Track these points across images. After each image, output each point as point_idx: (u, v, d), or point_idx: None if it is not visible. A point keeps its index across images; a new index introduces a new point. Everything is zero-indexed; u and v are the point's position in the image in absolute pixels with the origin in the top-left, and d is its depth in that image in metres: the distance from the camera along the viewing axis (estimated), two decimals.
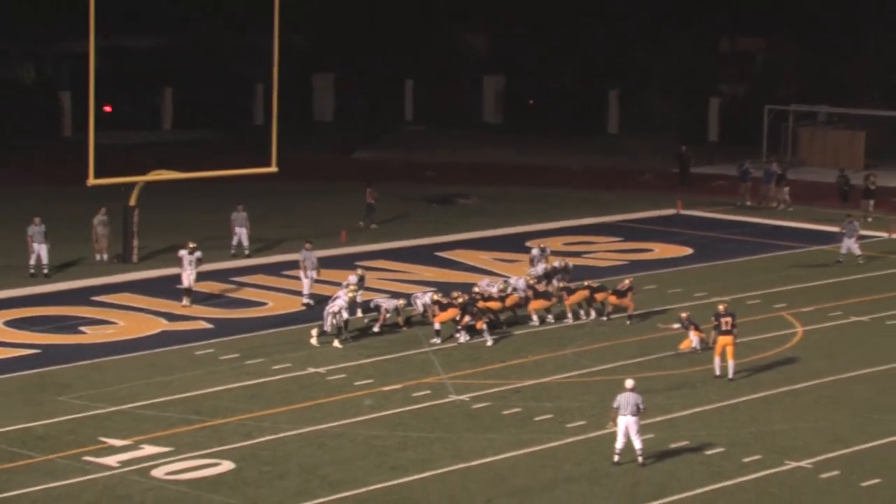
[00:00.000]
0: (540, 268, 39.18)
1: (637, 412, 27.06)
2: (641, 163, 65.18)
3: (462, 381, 32.36)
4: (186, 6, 77.99)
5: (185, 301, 38.26)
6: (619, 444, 27.23)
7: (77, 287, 40.63)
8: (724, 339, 32.69)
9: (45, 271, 41.39)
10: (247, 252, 44.61)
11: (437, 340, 35.21)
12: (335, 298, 35.05)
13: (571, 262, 40.43)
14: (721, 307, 33.39)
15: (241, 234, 44.74)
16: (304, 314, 38.05)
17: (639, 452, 27.19)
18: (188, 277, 38.33)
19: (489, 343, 34.94)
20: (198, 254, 38.58)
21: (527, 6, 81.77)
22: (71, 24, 61.56)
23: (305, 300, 38.69)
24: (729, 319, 32.79)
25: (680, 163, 59.93)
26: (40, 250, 41.37)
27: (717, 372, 32.82)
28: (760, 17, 78.62)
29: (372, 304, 36.57)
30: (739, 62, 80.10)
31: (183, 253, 38.42)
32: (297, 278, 40.44)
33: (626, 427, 27.05)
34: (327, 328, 34.87)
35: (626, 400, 27.08)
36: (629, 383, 27.48)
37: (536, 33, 79.94)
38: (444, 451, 27.94)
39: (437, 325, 35.42)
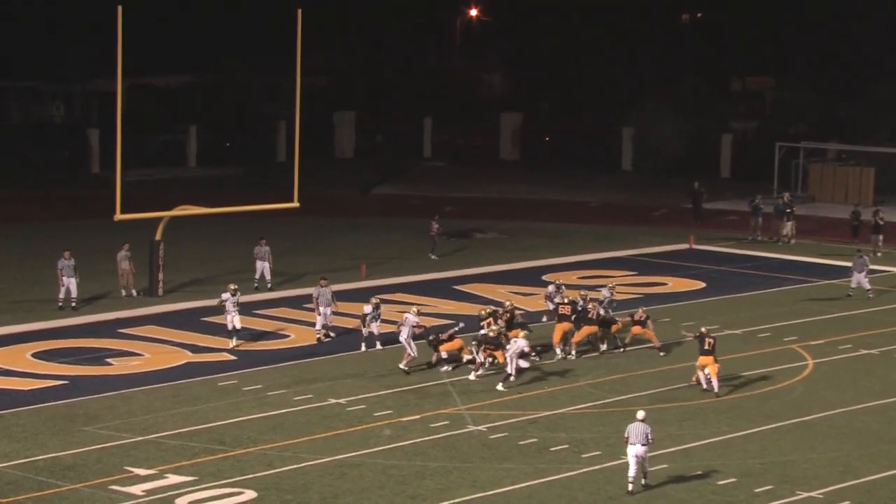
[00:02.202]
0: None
1: (647, 442, 27.79)
2: (655, 198, 65.85)
3: (479, 411, 32.92)
4: (211, 47, 79.00)
5: (234, 342, 38.24)
6: (632, 472, 27.85)
7: (104, 320, 41.19)
8: (705, 359, 34.19)
9: (74, 304, 42.11)
10: (269, 285, 45.34)
11: (447, 368, 35.96)
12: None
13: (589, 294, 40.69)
14: (704, 329, 34.79)
15: (264, 267, 45.40)
16: (323, 347, 38.70)
17: (632, 481, 27.85)
18: (233, 319, 38.24)
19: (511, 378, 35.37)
20: (238, 295, 38.63)
21: (543, 46, 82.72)
22: (99, 64, 62.62)
23: (318, 333, 39.27)
24: (711, 341, 34.31)
25: (693, 198, 60.57)
26: (70, 284, 42.07)
27: (705, 386, 34.30)
28: (770, 58, 79.46)
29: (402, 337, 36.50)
30: (750, 100, 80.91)
31: (226, 296, 38.30)
32: None
33: (636, 456, 27.79)
34: (415, 353, 35.43)
35: (636, 430, 27.82)
36: (640, 414, 28.23)
37: (552, 72, 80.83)
38: (461, 481, 28.44)
39: (444, 354, 36.19)
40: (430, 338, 36.38)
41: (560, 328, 37.46)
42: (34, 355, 37.27)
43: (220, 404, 33.20)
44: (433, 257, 50.88)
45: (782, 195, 58.60)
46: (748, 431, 31.70)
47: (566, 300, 38.35)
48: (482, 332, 36.19)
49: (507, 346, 35.06)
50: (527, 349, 35.23)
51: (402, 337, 36.07)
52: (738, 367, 36.74)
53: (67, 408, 32.82)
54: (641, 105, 75.45)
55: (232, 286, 38.58)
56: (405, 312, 36.88)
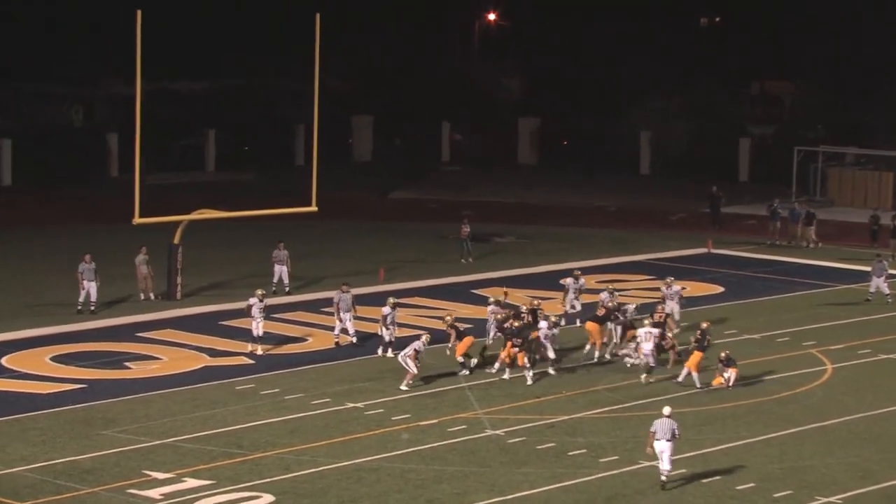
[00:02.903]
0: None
1: (673, 437, 28.21)
2: (673, 203, 65.83)
3: (497, 416, 32.96)
4: (230, 51, 79.20)
5: (259, 349, 38.15)
6: (663, 466, 28.35)
7: (122, 323, 41.30)
8: (700, 354, 35.09)
9: (93, 308, 42.22)
10: (287, 289, 45.41)
11: (465, 372, 36.00)
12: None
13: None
14: (705, 325, 35.95)
15: (282, 271, 45.47)
16: (341, 351, 38.78)
17: (664, 473, 28.19)
18: (258, 326, 38.18)
19: (529, 382, 35.51)
20: (265, 301, 38.61)
21: (561, 50, 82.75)
22: (119, 68, 62.78)
23: (336, 338, 39.24)
24: (710, 338, 35.61)
25: (711, 203, 60.51)
26: (90, 288, 42.18)
27: (699, 385, 34.91)
28: (789, 62, 79.37)
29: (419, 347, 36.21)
30: (769, 105, 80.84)
31: (254, 301, 38.23)
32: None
33: (661, 450, 28.21)
34: (416, 371, 35.17)
35: (662, 426, 28.31)
36: (666, 410, 28.68)
37: (570, 76, 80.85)
38: (479, 485, 28.50)
39: (459, 358, 36.22)
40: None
41: (595, 330, 37.54)
42: (53, 359, 37.42)
43: (238, 408, 33.29)
44: (469, 261, 50.91)
45: (799, 201, 58.53)
46: (767, 436, 31.71)
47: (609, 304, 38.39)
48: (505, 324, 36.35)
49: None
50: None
51: (402, 354, 35.44)
52: (757, 372, 36.72)
53: (86, 411, 32.95)
54: (660, 109, 75.38)
55: (259, 292, 38.56)
56: (418, 338, 36.05)
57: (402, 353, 35.30)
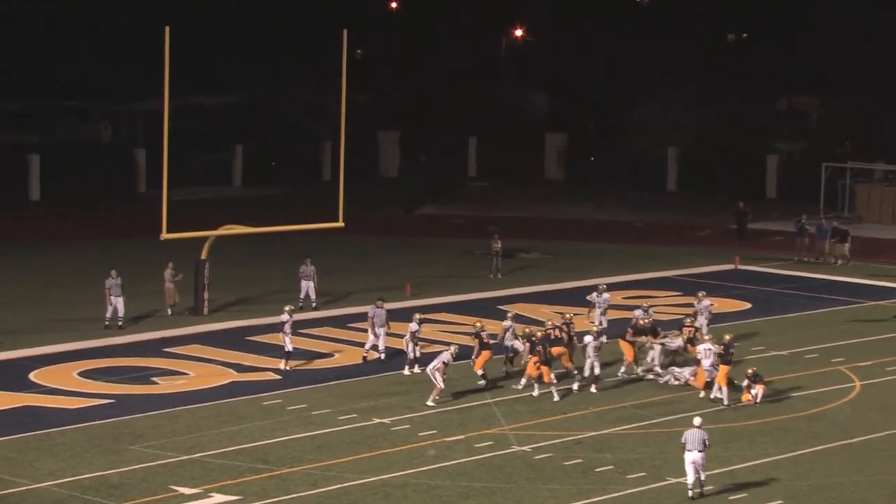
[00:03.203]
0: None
1: (704, 448, 28.41)
2: (700, 219, 65.73)
3: (524, 431, 32.94)
4: (257, 66, 79.51)
5: (288, 365, 38.17)
6: (690, 479, 28.45)
7: (149, 339, 41.42)
8: (727, 368, 35.27)
9: (120, 323, 42.33)
10: (314, 305, 45.45)
11: (481, 383, 35.98)
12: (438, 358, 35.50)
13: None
14: (728, 337, 36.02)
15: (309, 287, 45.52)
16: (368, 366, 38.79)
17: (691, 488, 28.36)
18: (289, 342, 38.14)
19: (556, 398, 35.50)
20: (293, 317, 38.53)
21: (588, 66, 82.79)
22: (146, 83, 63.11)
23: (366, 353, 39.22)
24: (734, 351, 35.82)
25: (737, 219, 60.37)
26: (117, 303, 42.28)
27: (727, 401, 34.89)
28: (816, 77, 79.25)
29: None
30: (796, 121, 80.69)
31: (286, 317, 38.22)
32: (364, 331, 41.26)
33: (693, 462, 28.26)
34: (442, 385, 35.15)
35: (693, 436, 28.53)
36: (697, 421, 28.92)
37: (597, 92, 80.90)
38: (505, 501, 28.46)
39: (478, 371, 36.20)
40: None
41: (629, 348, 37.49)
42: (81, 374, 37.54)
43: (265, 423, 33.34)
44: (498, 277, 50.99)
45: (827, 217, 58.40)
46: (795, 453, 31.63)
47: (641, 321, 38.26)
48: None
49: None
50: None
51: (430, 367, 35.42)
52: (785, 389, 36.61)
53: (113, 426, 33.05)
54: (687, 125, 75.30)
55: (288, 307, 38.58)
56: (444, 350, 36.10)
57: (431, 366, 35.26)
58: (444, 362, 35.13)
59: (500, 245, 51.76)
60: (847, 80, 77.27)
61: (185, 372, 37.97)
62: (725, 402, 34.95)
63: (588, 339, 36.49)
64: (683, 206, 70.52)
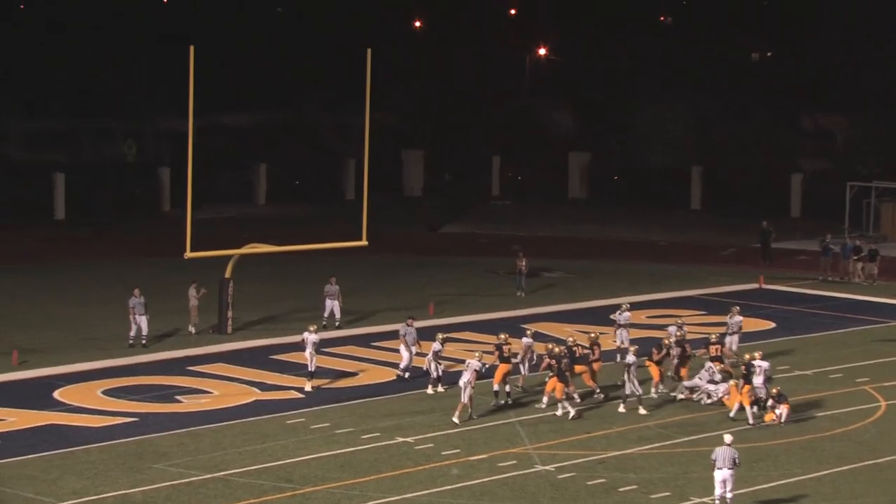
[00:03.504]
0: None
1: (734, 466, 28.54)
2: (724, 237, 65.61)
3: (547, 451, 32.89)
4: (281, 85, 79.76)
5: (311, 385, 38.10)
6: (717, 493, 28.53)
7: (173, 357, 41.52)
8: (749, 387, 35.34)
9: (144, 342, 42.43)
10: (338, 324, 45.47)
11: (494, 403, 35.91)
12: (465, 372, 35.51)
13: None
14: (748, 356, 36.14)
15: (334, 305, 45.51)
16: (393, 385, 38.78)
17: (725, 502, 28.46)
18: (314, 361, 38.07)
19: (571, 414, 35.47)
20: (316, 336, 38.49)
21: (611, 83, 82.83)
22: (170, 102, 63.38)
23: (401, 372, 39.14)
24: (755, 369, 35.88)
25: (762, 238, 60.24)
26: (141, 322, 42.38)
27: (752, 421, 34.84)
28: (841, 95, 79.10)
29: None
30: (821, 139, 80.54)
31: (308, 336, 38.05)
32: (388, 349, 41.54)
33: (723, 480, 28.43)
34: (467, 402, 35.16)
35: (723, 454, 28.64)
36: (727, 438, 29.07)
37: (621, 110, 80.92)
38: None
39: (495, 386, 36.15)
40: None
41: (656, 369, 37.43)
42: (104, 392, 37.62)
43: (289, 442, 33.35)
44: (522, 295, 51.07)
45: (852, 237, 58.28)
46: (820, 473, 31.51)
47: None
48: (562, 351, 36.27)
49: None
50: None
51: (462, 381, 35.39)
52: (810, 409, 36.48)
53: (137, 445, 33.10)
54: (711, 144, 75.25)
55: (311, 327, 38.58)
56: (470, 359, 36.21)
57: (463, 380, 35.15)
58: (475, 370, 35.11)
59: (525, 263, 51.79)
60: (873, 99, 77.09)
61: (209, 390, 38.02)
62: (751, 422, 34.82)
63: (630, 358, 36.31)
64: (707, 224, 70.44)
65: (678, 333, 38.62)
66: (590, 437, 33.99)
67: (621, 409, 36.06)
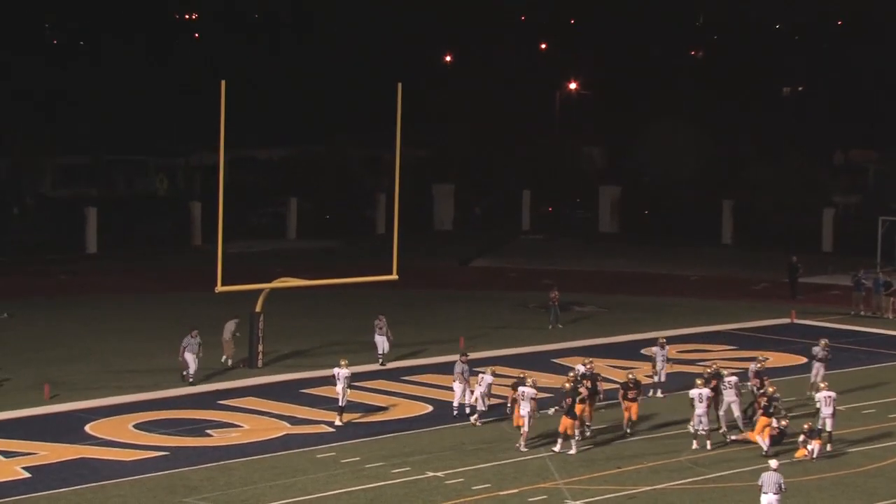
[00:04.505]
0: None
1: (779, 491, 28.90)
2: (755, 272, 65.42)
3: (578, 486, 32.77)
4: (312, 119, 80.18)
5: (342, 420, 37.99)
6: None
7: (205, 391, 41.57)
8: (766, 420, 35.38)
9: (191, 379, 42.18)
10: (381, 360, 45.09)
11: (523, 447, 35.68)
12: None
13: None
14: (771, 389, 36.22)
15: (383, 342, 45.32)
16: (423, 419, 38.75)
17: None
18: (345, 395, 37.96)
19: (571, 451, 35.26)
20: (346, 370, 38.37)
21: (642, 119, 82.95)
22: (202, 137, 63.82)
23: (456, 408, 38.67)
24: (777, 404, 35.94)
25: (790, 273, 60.02)
26: (189, 359, 41.99)
27: (766, 450, 34.90)
28: (873, 130, 79.03)
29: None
30: (853, 174, 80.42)
31: (339, 370, 37.91)
32: (418, 384, 41.91)
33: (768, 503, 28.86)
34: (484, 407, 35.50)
35: (769, 479, 29.11)
36: (773, 463, 29.62)
37: (652, 146, 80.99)
38: None
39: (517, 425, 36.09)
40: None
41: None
42: (136, 426, 37.65)
43: (319, 476, 33.33)
44: (559, 326, 51.22)
45: (885, 271, 58.05)
46: None
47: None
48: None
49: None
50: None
51: (479, 392, 35.98)
52: (842, 444, 36.26)
53: (168, 479, 33.12)
54: (743, 179, 75.19)
55: (343, 361, 38.55)
56: (482, 373, 37.81)
57: (478, 391, 35.73)
58: (489, 384, 36.79)
59: (557, 294, 51.81)
60: None
61: (240, 424, 38.03)
62: (765, 451, 34.66)
63: (698, 392, 36.04)
64: (739, 259, 70.28)
65: (758, 364, 38.40)
66: (621, 473, 33.86)
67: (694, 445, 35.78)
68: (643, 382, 38.74)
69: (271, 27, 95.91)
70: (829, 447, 35.35)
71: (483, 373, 38.44)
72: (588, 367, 38.31)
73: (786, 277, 61.05)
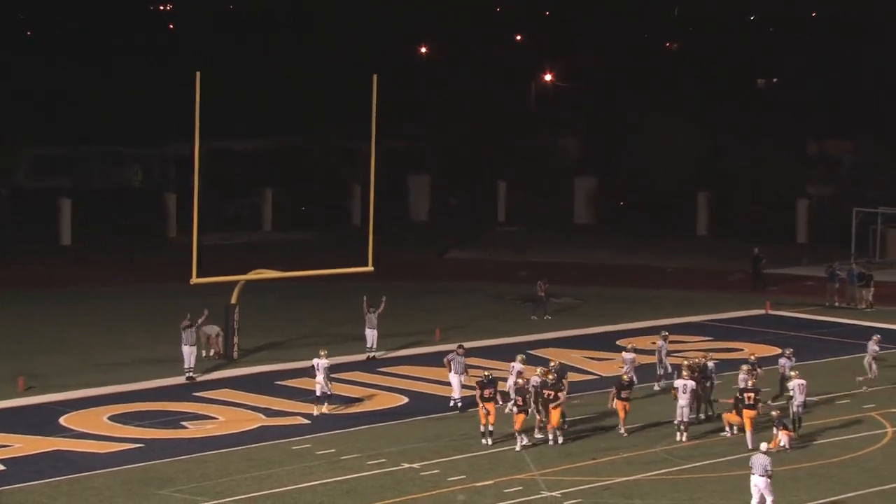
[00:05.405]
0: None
1: (764, 473, 29.48)
2: (730, 263, 65.58)
3: (553, 477, 32.81)
4: (287, 111, 79.92)
5: (323, 409, 38.01)
6: (754, 501, 29.50)
7: (179, 383, 41.47)
8: (749, 413, 35.34)
9: (190, 375, 41.84)
10: (373, 355, 44.91)
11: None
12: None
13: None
14: (751, 382, 36.16)
15: (372, 335, 44.94)
16: (399, 410, 38.76)
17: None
18: (325, 386, 37.98)
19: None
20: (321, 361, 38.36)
21: (618, 110, 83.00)
22: (177, 128, 63.48)
23: (455, 401, 38.56)
24: (752, 395, 35.52)
25: (753, 264, 60.07)
26: (185, 352, 41.70)
27: (750, 445, 34.69)
28: (848, 121, 79.22)
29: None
30: (827, 165, 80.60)
31: (318, 361, 37.97)
32: (393, 375, 41.95)
33: (755, 486, 29.63)
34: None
35: (757, 461, 29.81)
36: (763, 446, 30.38)
37: (626, 136, 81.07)
38: None
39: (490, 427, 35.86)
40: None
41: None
42: (110, 418, 37.61)
43: (294, 468, 33.32)
44: (547, 318, 51.44)
45: (857, 262, 58.28)
46: (827, 500, 31.41)
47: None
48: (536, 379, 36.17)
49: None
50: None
51: (509, 383, 36.24)
52: (817, 435, 36.39)
53: (143, 471, 33.10)
54: (717, 169, 75.31)
55: (322, 352, 38.50)
56: (511, 362, 37.95)
57: (509, 382, 36.01)
58: (518, 372, 36.79)
59: (545, 286, 52.18)
60: (880, 124, 77.16)
61: (215, 416, 37.99)
62: (750, 446, 34.66)
63: (682, 383, 36.16)
64: (714, 250, 70.39)
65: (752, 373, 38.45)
66: (596, 464, 33.92)
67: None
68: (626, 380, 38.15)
69: (248, 17, 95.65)
70: (797, 435, 35.47)
71: (512, 362, 38.19)
72: (549, 369, 37.84)
73: (749, 268, 60.98)
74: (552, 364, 37.99)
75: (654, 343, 42.67)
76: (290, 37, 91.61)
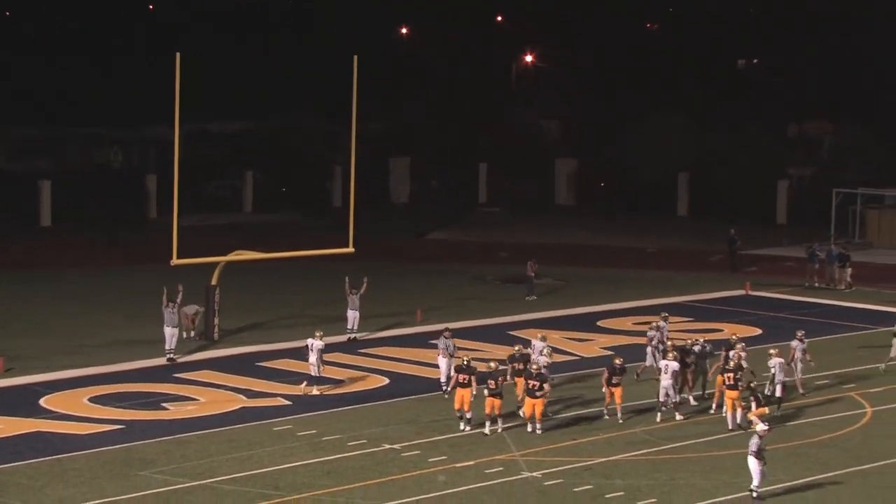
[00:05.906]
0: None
1: (749, 451, 30.07)
2: (711, 244, 65.74)
3: (534, 457, 32.91)
4: (267, 92, 79.82)
5: (316, 390, 38.14)
6: (755, 483, 29.88)
7: (160, 364, 41.50)
8: (730, 394, 35.32)
9: (170, 356, 41.84)
10: (353, 335, 44.93)
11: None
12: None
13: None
14: (732, 363, 36.03)
15: (353, 316, 44.85)
16: (380, 391, 38.82)
17: (751, 487, 29.85)
18: (318, 367, 37.97)
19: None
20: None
21: (598, 92, 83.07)
22: (157, 110, 63.39)
23: (444, 384, 38.38)
24: (731, 375, 35.44)
25: (729, 245, 60.21)
26: (167, 333, 41.64)
27: (740, 422, 34.93)
28: (828, 102, 79.42)
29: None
30: (807, 146, 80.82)
31: (313, 342, 37.93)
32: (374, 356, 41.98)
33: (749, 462, 30.24)
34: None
35: (750, 438, 30.41)
36: (759, 428, 30.53)
37: (607, 117, 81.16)
38: None
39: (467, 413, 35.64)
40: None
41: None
42: (91, 400, 37.56)
43: (275, 449, 33.34)
44: (533, 297, 51.51)
45: (835, 243, 58.49)
46: (805, 480, 31.52)
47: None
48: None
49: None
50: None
51: (542, 360, 36.21)
52: (796, 415, 36.54)
53: (124, 452, 33.06)
54: (697, 150, 75.43)
55: (317, 333, 38.44)
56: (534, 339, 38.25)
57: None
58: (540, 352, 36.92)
59: (535, 266, 52.30)
60: (860, 105, 77.40)
61: (196, 397, 37.97)
62: (730, 426, 34.89)
63: (665, 363, 36.33)
64: (694, 231, 70.56)
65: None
66: (577, 444, 34.00)
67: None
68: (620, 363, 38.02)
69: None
70: (779, 412, 35.70)
71: (534, 340, 38.47)
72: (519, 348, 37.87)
73: (725, 249, 61.15)
74: (517, 348, 37.89)
75: (649, 325, 42.42)
76: (272, 17, 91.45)
